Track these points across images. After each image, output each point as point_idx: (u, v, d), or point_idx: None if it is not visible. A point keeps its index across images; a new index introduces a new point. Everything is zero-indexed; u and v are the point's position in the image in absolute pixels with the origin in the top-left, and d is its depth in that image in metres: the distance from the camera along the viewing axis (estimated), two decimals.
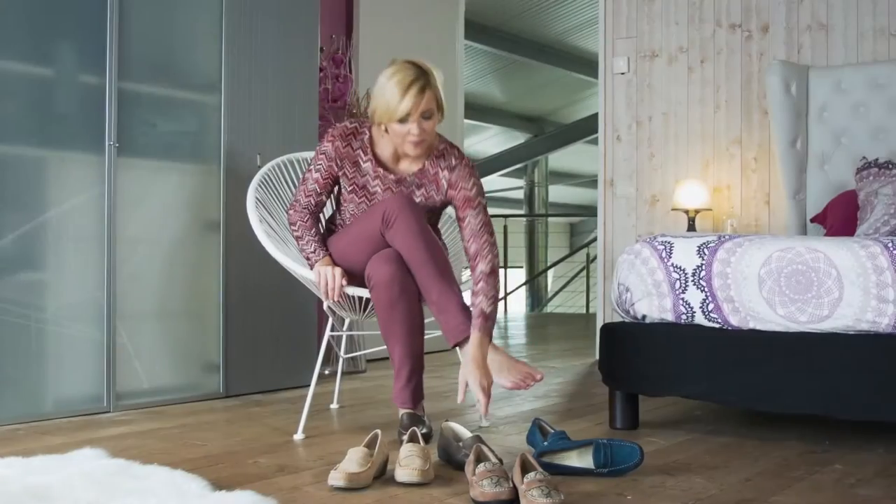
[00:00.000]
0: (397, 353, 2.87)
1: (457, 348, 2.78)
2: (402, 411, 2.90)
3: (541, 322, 9.65)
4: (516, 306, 14.27)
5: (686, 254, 2.92)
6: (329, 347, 3.69)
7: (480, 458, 2.27)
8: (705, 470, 2.46)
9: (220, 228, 3.71)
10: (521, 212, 16.05)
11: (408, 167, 2.99)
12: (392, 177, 2.97)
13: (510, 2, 10.13)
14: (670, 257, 2.94)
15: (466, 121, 13.93)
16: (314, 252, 2.97)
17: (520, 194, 16.49)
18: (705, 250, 2.89)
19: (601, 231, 5.35)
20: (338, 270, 2.90)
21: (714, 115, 5.03)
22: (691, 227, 4.79)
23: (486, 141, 15.49)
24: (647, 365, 3.00)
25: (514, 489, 2.10)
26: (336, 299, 2.91)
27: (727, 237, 2.92)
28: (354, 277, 2.94)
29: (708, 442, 2.87)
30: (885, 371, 2.59)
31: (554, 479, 2.14)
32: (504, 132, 15.15)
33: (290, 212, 3.04)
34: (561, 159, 15.98)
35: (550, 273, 15.94)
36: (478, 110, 13.69)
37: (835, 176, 4.51)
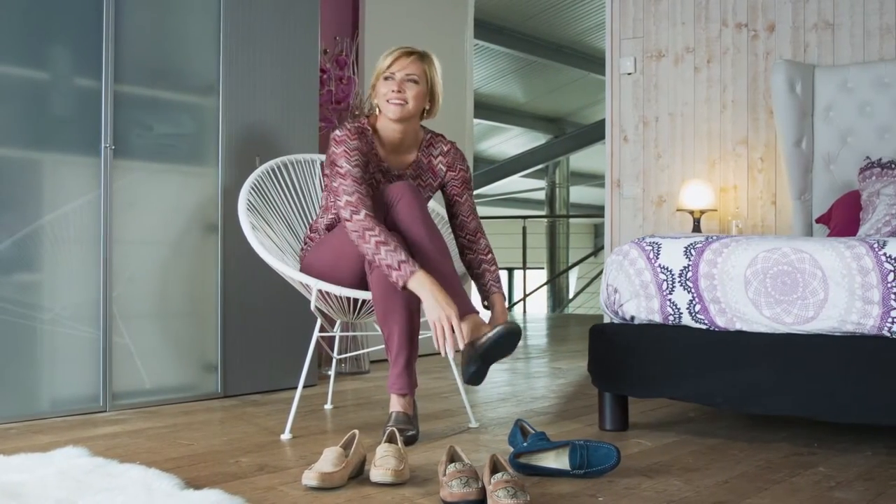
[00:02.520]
0: (396, 335, 2.82)
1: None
2: (392, 411, 2.88)
3: (560, 323, 9.62)
4: (537, 307, 14.23)
5: (673, 255, 2.90)
6: (330, 347, 3.68)
7: (453, 458, 2.27)
8: (684, 472, 2.45)
9: (218, 230, 3.74)
10: (543, 213, 16.01)
11: (401, 161, 3.07)
12: (394, 172, 3.05)
13: (527, 3, 10.12)
14: (657, 258, 2.93)
15: (488, 122, 13.99)
16: (406, 260, 2.69)
17: (541, 195, 16.44)
18: (692, 251, 2.87)
19: (608, 232, 5.33)
20: (454, 320, 2.62)
21: (720, 115, 4.99)
22: (696, 227, 4.75)
23: (507, 142, 15.48)
24: (634, 366, 2.99)
25: (484, 489, 2.10)
26: (445, 353, 2.65)
27: (714, 238, 2.90)
28: (352, 278, 2.94)
29: (695, 444, 2.84)
30: (870, 373, 2.56)
31: (521, 480, 2.14)
32: (525, 133, 15.14)
33: (354, 217, 2.75)
34: (583, 160, 15.94)
35: (574, 274, 15.89)
36: (498, 111, 13.68)
37: (840, 176, 4.46)
